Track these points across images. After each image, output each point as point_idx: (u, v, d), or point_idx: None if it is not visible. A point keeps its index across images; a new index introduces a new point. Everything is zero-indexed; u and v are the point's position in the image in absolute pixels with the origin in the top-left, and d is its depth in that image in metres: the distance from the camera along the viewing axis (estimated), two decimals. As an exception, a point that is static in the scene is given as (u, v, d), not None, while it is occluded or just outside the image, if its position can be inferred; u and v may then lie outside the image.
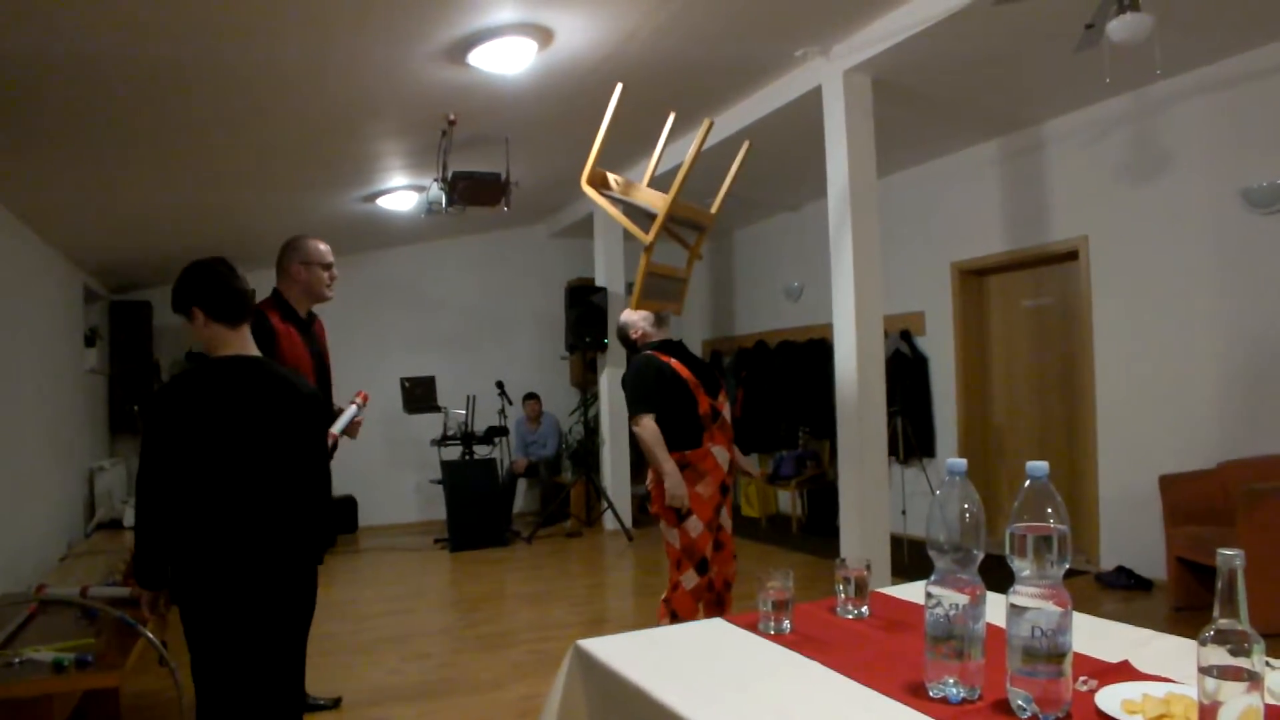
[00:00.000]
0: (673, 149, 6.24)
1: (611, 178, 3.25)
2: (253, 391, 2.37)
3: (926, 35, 4.14)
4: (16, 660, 2.36)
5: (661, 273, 3.38)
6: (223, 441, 2.30)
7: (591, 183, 3.15)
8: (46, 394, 5.60)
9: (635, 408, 3.54)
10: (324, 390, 3.42)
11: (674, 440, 3.51)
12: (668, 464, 3.45)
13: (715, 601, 3.69)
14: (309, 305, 3.46)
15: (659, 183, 3.26)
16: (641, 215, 3.21)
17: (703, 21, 4.10)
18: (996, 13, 3.69)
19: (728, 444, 3.63)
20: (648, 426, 3.48)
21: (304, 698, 2.94)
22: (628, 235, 8.06)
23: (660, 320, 3.72)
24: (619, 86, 3.06)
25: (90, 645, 2.49)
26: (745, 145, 3.53)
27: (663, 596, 3.60)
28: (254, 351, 2.46)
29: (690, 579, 3.50)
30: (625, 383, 3.68)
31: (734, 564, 3.72)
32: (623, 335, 3.86)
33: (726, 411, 3.67)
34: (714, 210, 3.41)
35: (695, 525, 3.50)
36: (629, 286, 8.55)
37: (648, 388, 3.54)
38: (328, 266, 3.41)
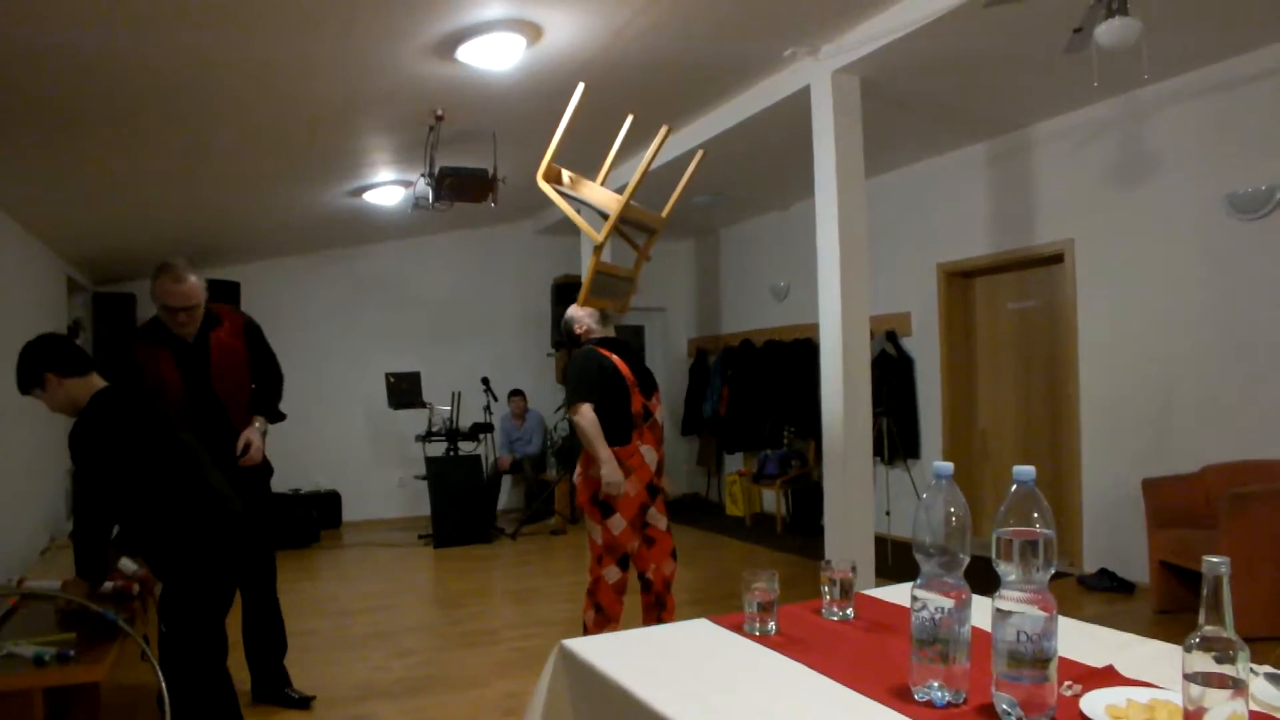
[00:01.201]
0: (647, 153, 6.25)
1: (565, 174, 3.26)
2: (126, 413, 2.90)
3: (915, 36, 4.15)
4: (-4, 655, 2.34)
5: (610, 272, 3.45)
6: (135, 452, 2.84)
7: (547, 178, 3.16)
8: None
9: (574, 397, 3.62)
10: (206, 394, 3.53)
11: (606, 435, 3.57)
12: (604, 452, 3.52)
13: (655, 603, 3.74)
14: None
15: (620, 184, 3.27)
16: (594, 214, 3.24)
17: (691, 20, 4.09)
18: (986, 15, 3.70)
19: (656, 444, 3.72)
20: (587, 415, 3.55)
21: None
22: (615, 232, 8.06)
23: (605, 318, 3.83)
24: (580, 86, 3.06)
25: (71, 640, 2.47)
26: (699, 154, 3.54)
27: (586, 588, 3.68)
28: (102, 384, 2.94)
29: (612, 573, 3.60)
30: (566, 374, 3.78)
31: (673, 562, 3.76)
32: (567, 330, 3.94)
33: (659, 413, 3.77)
34: (664, 214, 3.43)
35: (618, 523, 3.57)
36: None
37: (590, 380, 3.62)
38: (174, 311, 3.36)
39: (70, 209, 5.68)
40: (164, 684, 2.47)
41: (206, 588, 2.85)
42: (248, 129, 4.76)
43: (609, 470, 3.50)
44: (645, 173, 3.00)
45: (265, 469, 3.67)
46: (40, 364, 2.85)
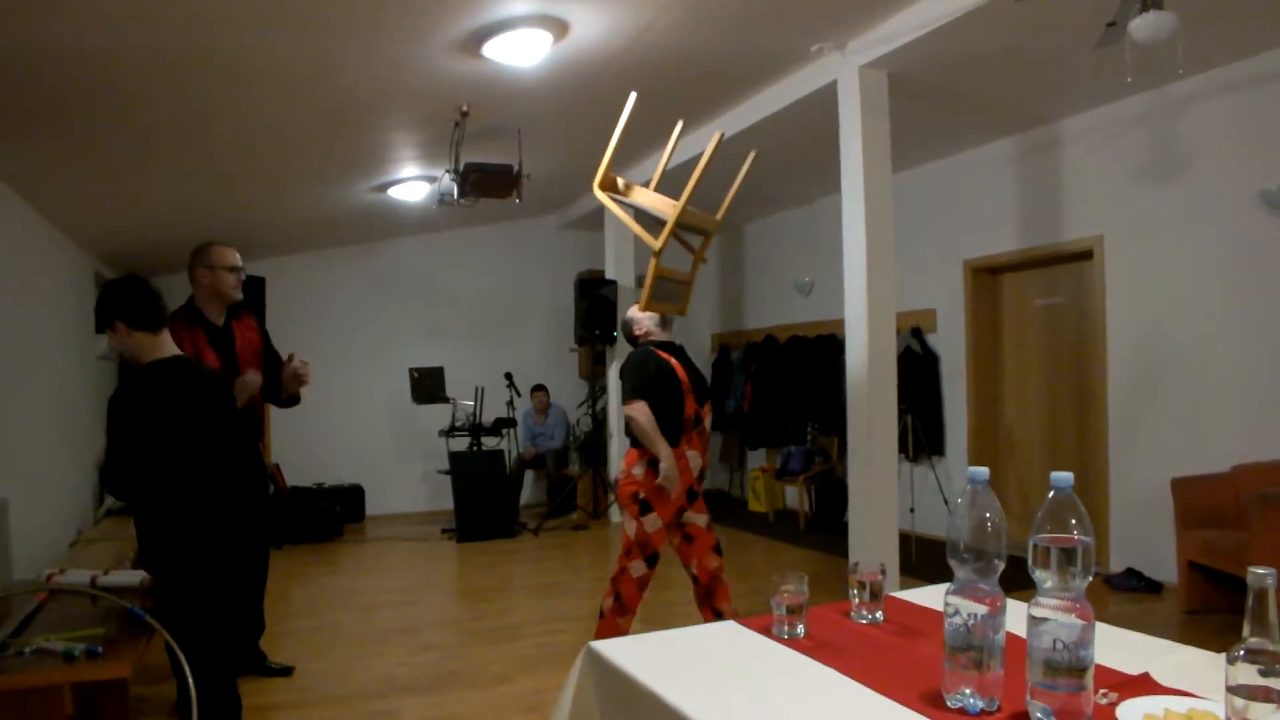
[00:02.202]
0: (683, 144, 6.23)
1: (620, 181, 3.25)
2: (186, 387, 2.79)
3: (943, 32, 4.11)
4: (27, 650, 2.36)
5: (668, 276, 3.44)
6: (173, 430, 2.74)
7: (603, 186, 3.15)
8: (57, 379, 5.61)
9: (632, 394, 3.64)
10: (236, 375, 3.69)
11: (669, 432, 3.62)
12: (664, 449, 3.54)
13: (705, 595, 3.75)
14: (219, 307, 3.71)
15: (666, 185, 3.26)
16: (650, 219, 3.23)
17: (718, 16, 4.07)
18: (1015, 9, 3.65)
19: (702, 450, 3.76)
20: (643, 412, 3.58)
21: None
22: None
23: (665, 322, 3.84)
24: (633, 95, 3.04)
25: (100, 635, 2.49)
26: (751, 155, 3.49)
27: (610, 575, 3.71)
28: (175, 351, 2.83)
29: (638, 568, 3.63)
30: (624, 371, 3.79)
31: (717, 557, 3.77)
32: (627, 331, 3.96)
33: (708, 421, 3.79)
34: (719, 217, 3.42)
35: (654, 522, 3.60)
36: (639, 279, 8.52)
37: (646, 378, 3.65)
38: (232, 269, 3.68)
39: (96, 204, 5.74)
40: (192, 680, 2.49)
41: (201, 584, 2.81)
42: (274, 124, 4.78)
43: (668, 466, 3.53)
44: (699, 180, 2.98)
45: (261, 468, 3.90)
46: (113, 309, 2.76)
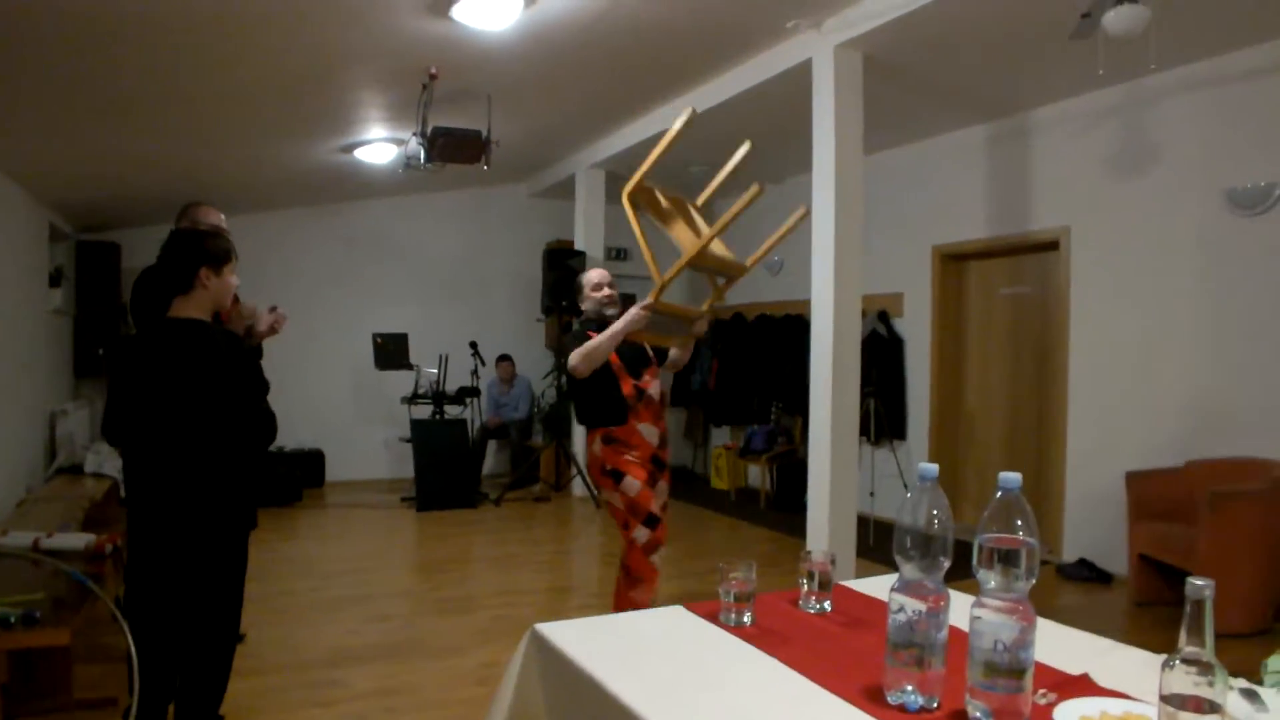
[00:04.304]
0: (655, 118, 6.17)
1: (660, 195, 3.13)
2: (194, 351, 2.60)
3: (922, 13, 4.08)
4: (-39, 614, 2.31)
5: (673, 311, 3.33)
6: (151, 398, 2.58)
7: (632, 195, 3.02)
8: (7, 333, 5.47)
9: (571, 360, 3.52)
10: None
11: (601, 417, 3.56)
12: (606, 335, 3.41)
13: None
14: None
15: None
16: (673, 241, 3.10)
17: (695, -12, 4.01)
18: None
19: (654, 420, 3.63)
20: (576, 355, 3.45)
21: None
22: (609, 199, 7.99)
23: (612, 303, 3.72)
24: (690, 110, 2.91)
25: (39, 601, 2.44)
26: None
27: (620, 561, 3.62)
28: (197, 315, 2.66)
29: (641, 534, 3.52)
30: (563, 349, 3.66)
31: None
32: (577, 291, 3.85)
33: (654, 388, 3.66)
34: (749, 264, 3.34)
35: (632, 484, 3.52)
36: (608, 251, 8.50)
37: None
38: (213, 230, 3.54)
39: (53, 156, 5.57)
40: (133, 646, 2.44)
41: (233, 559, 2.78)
42: (236, 79, 4.66)
43: (613, 329, 3.38)
44: (728, 224, 2.86)
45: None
46: (196, 258, 2.62)
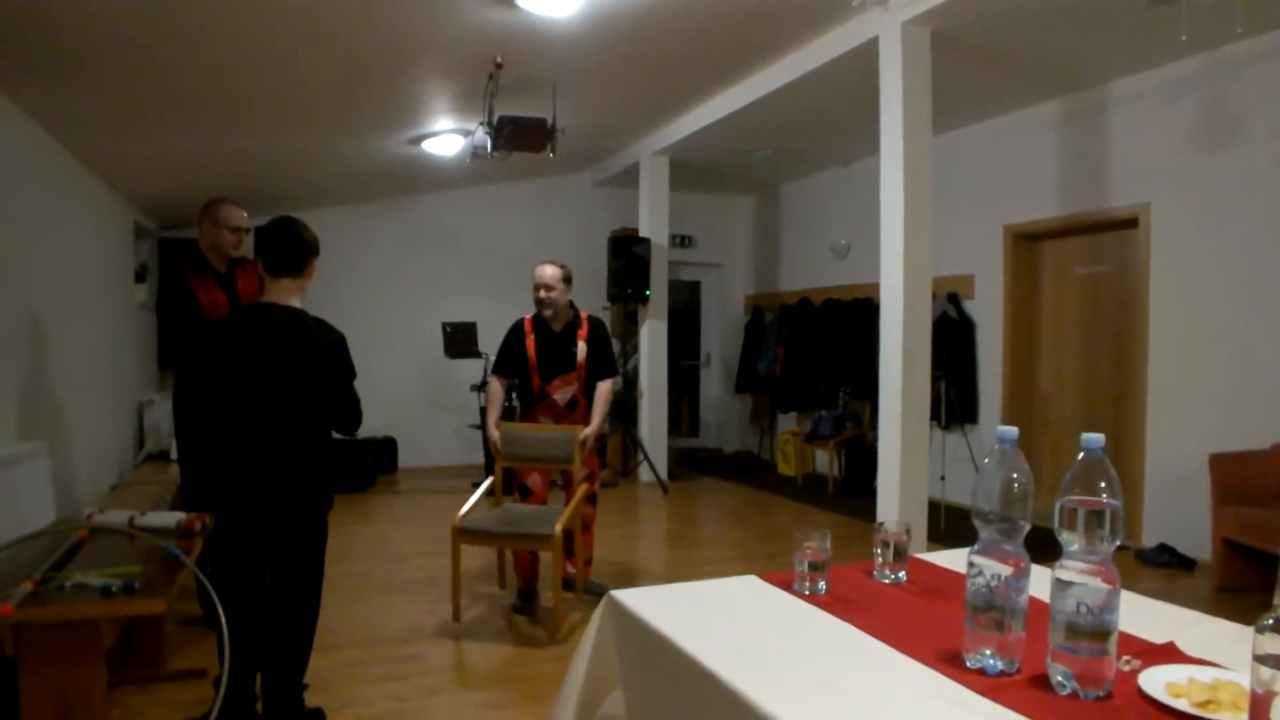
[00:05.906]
0: (720, 101, 6.15)
1: None
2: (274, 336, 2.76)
3: (992, -13, 3.99)
4: (67, 584, 2.42)
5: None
6: (244, 378, 2.74)
7: None
8: (99, 328, 5.70)
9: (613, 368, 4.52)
10: None
11: (523, 403, 4.52)
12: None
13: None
14: (220, 259, 3.90)
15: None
16: None
17: (760, -33, 3.98)
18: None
19: (553, 421, 4.36)
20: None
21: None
22: (674, 186, 7.99)
23: (542, 305, 4.42)
24: None
25: (137, 572, 2.54)
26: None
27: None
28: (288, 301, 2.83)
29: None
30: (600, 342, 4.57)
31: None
32: (568, 280, 4.63)
33: (561, 394, 4.35)
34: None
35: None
36: (673, 238, 8.51)
37: (501, 346, 4.48)
38: (234, 230, 3.87)
39: (137, 156, 5.78)
40: (224, 618, 2.54)
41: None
42: (305, 76, 4.78)
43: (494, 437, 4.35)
44: None
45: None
46: (312, 247, 2.92)
